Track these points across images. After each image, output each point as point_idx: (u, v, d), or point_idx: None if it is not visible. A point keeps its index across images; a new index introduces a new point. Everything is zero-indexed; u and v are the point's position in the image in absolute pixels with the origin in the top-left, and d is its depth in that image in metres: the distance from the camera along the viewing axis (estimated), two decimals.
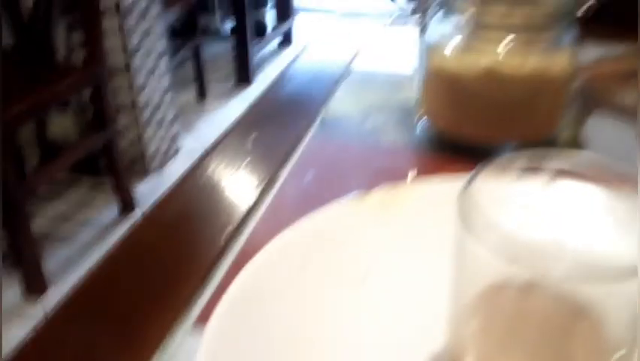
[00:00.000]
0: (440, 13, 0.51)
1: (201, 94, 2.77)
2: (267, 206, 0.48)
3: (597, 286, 0.23)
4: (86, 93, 1.84)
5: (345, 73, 0.71)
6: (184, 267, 0.44)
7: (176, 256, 0.45)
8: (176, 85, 2.35)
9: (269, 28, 3.21)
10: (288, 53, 3.23)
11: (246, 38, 2.82)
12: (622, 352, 0.25)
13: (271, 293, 0.34)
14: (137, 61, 2.04)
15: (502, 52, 0.48)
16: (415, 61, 0.55)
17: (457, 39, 0.50)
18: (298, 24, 3.35)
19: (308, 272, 0.36)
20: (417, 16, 0.54)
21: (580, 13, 0.50)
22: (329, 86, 0.68)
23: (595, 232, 0.28)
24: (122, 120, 2.07)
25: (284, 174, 0.53)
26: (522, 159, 0.28)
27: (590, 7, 0.50)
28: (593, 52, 0.58)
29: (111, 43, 1.93)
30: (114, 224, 1.94)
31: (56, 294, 1.66)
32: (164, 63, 2.20)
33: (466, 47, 0.50)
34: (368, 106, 0.62)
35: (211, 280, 0.41)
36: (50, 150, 1.97)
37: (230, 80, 2.91)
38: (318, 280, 0.36)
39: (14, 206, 1.54)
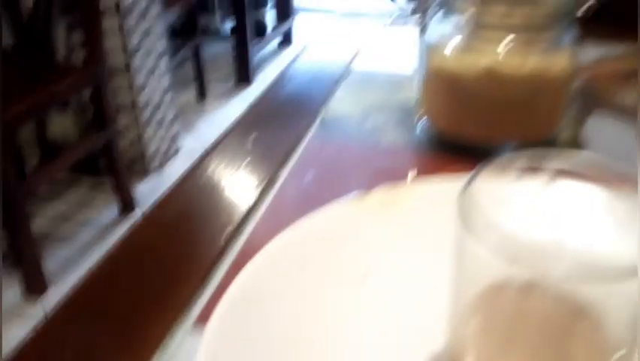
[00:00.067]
0: (440, 13, 0.51)
1: (201, 94, 2.77)
2: (267, 206, 0.48)
3: (597, 286, 0.23)
4: (86, 93, 1.85)
5: (345, 73, 0.71)
6: (184, 267, 0.44)
7: (176, 256, 0.45)
8: (176, 85, 2.35)
9: (269, 28, 3.21)
10: (288, 53, 3.23)
11: (245, 38, 2.82)
12: (622, 352, 0.25)
13: (271, 293, 0.34)
14: (137, 61, 2.04)
15: (502, 52, 0.48)
16: (415, 61, 0.55)
17: (457, 39, 0.50)
18: (298, 24, 3.35)
19: (308, 272, 0.36)
20: (417, 16, 0.54)
21: (580, 13, 0.50)
22: (329, 86, 0.68)
23: (595, 232, 0.28)
24: (122, 120, 2.07)
25: (284, 174, 0.53)
26: (522, 159, 0.28)
27: (590, 7, 0.50)
28: (593, 52, 0.58)
29: (111, 43, 1.93)
30: (114, 224, 1.94)
31: (56, 294, 1.66)
32: (164, 63, 2.20)
33: (466, 47, 0.50)
34: (368, 106, 0.62)
35: (211, 280, 0.41)
36: (50, 150, 1.97)
37: (230, 80, 2.91)
38: (318, 280, 0.36)
39: (14, 206, 1.54)
